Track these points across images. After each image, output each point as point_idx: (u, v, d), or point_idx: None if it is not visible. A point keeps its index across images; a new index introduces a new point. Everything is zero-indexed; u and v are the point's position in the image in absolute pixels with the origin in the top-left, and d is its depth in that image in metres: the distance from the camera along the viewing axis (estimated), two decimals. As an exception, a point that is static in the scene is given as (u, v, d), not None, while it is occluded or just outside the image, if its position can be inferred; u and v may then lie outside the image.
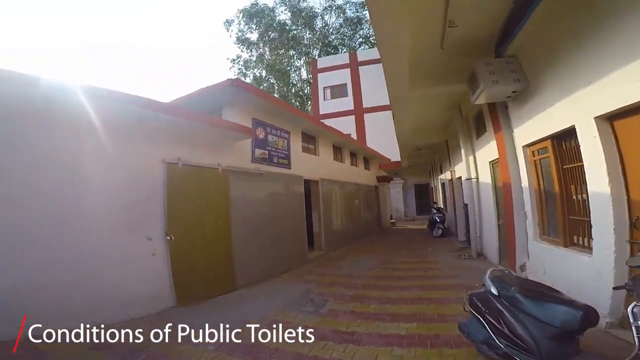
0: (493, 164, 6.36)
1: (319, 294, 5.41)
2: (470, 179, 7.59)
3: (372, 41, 31.71)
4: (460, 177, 9.74)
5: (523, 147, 4.83)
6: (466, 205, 8.41)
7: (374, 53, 21.75)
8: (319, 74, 21.52)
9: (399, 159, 18.06)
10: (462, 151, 7.78)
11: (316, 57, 27.04)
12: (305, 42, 31.93)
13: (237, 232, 5.92)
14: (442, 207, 12.38)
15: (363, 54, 22.09)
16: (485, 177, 6.85)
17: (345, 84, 20.57)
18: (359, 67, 20.67)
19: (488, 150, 6.46)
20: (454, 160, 10.38)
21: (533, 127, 4.41)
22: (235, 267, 5.78)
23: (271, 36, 31.23)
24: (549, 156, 4.21)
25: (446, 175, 12.44)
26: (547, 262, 4.32)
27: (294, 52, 32.36)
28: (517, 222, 5.05)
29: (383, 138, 17.00)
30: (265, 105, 6.79)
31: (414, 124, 9.19)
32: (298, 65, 33.36)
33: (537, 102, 4.21)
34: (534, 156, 4.69)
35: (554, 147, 4.09)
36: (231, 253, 5.76)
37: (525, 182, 4.85)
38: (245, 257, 6.02)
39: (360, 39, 32.59)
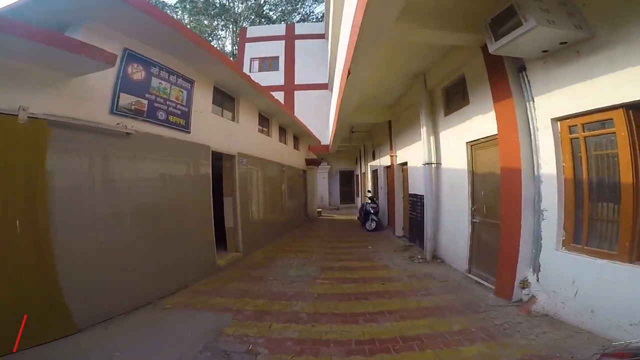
0: (473, 145, 4.96)
1: (238, 339, 3.19)
2: (430, 164, 6.18)
3: (312, 20, 30.28)
4: (404, 164, 8.46)
5: (553, 120, 3.39)
6: (419, 197, 7.09)
7: (315, 28, 19.97)
8: (247, 44, 19.03)
9: (328, 143, 16.62)
10: (423, 130, 6.31)
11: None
12: (237, 10, 28.38)
13: (69, 235, 3.24)
14: (375, 197, 11.18)
15: (302, 27, 20.35)
16: (455, 162, 5.47)
17: (278, 57, 18.42)
18: (296, 40, 18.71)
19: (467, 128, 5.04)
20: (397, 144, 9.07)
21: (583, 92, 2.97)
22: (68, 293, 3.10)
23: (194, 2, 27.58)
24: (613, 132, 2.79)
25: (381, 162, 11.24)
26: (585, 281, 2.98)
27: (221, 21, 28.68)
28: (525, 222, 3.66)
29: (312, 119, 15.14)
30: (153, 31, 4.05)
31: (365, 93, 7.43)
32: (223, 35, 29.78)
33: (603, 58, 2.77)
34: (569, 133, 3.27)
35: (628, 120, 2.65)
36: (53, 271, 3.03)
37: (547, 168, 3.44)
38: (92, 274, 3.40)
39: (300, 17, 30.80)
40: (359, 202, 18.17)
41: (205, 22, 28.90)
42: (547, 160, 3.45)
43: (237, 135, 6.93)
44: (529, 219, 3.65)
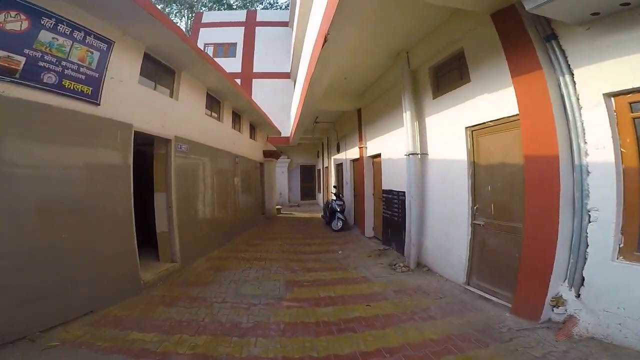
0: (475, 130, 4.08)
1: None
2: (415, 154, 5.26)
3: (276, 8, 28.68)
4: (377, 156, 7.53)
5: (605, 95, 2.55)
6: (397, 193, 6.17)
7: (278, 15, 18.75)
8: (201, 29, 17.43)
9: (288, 135, 15.31)
10: (407, 115, 5.36)
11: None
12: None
13: None
14: (341, 193, 10.17)
15: (265, 14, 19.33)
16: (449, 152, 4.59)
17: (236, 44, 17.06)
18: (257, 27, 17.48)
19: (466, 111, 4.15)
20: (368, 134, 8.12)
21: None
22: None
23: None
24: None
25: (347, 155, 10.27)
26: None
27: (175, 8, 26.35)
28: (563, 225, 2.78)
29: (271, 109, 13.63)
30: None
31: (337, 75, 6.34)
32: (176, 22, 27.16)
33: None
34: (631, 111, 2.44)
35: None
36: None
37: (599, 155, 2.60)
38: None
39: (262, 7, 29.15)
40: (320, 198, 17.16)
41: (159, 6, 26.01)
42: (598, 145, 2.61)
43: (176, 115, 5.38)
44: (567, 220, 2.79)
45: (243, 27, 17.37)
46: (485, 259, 3.89)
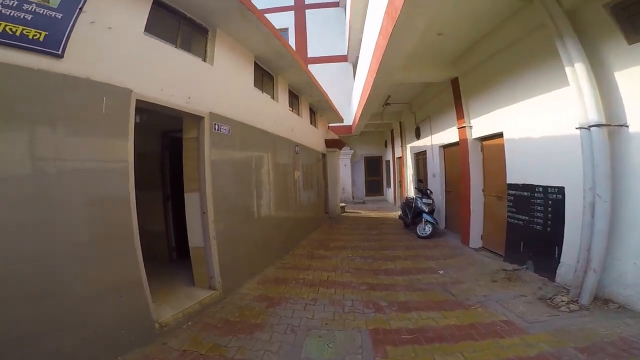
0: None
1: None
2: (602, 126, 2.95)
3: None
4: (492, 137, 5.21)
5: None
6: (541, 190, 3.86)
7: None
8: None
9: (350, 123, 13.42)
10: (577, 69, 3.11)
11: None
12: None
13: None
14: (427, 188, 7.90)
15: None
16: None
17: (287, 29, 15.84)
18: (306, 10, 16.06)
19: None
20: (474, 109, 5.79)
21: None
22: None
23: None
24: None
25: (435, 140, 7.99)
26: None
27: None
28: None
29: (330, 96, 12.02)
30: None
31: (428, 29, 4.25)
32: None
33: None
34: None
35: None
36: None
37: None
38: None
39: None
40: (390, 194, 14.98)
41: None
42: None
43: (211, 85, 3.87)
44: None
45: (293, 12, 16.09)
46: None
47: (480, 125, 5.56)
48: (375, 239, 7.24)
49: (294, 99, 7.58)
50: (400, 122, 11.82)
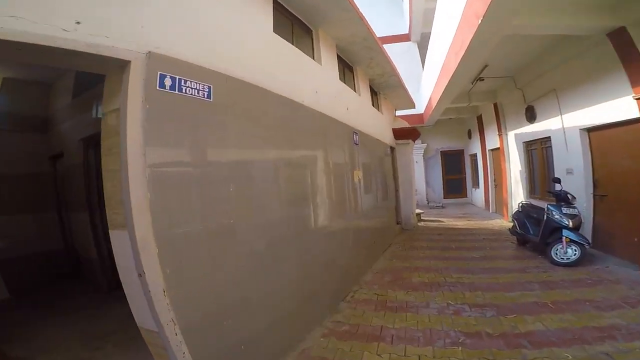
0: None
1: None
2: None
3: None
4: None
5: None
6: None
7: None
8: None
9: (418, 112, 10.85)
10: None
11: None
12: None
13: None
14: (569, 192, 5.02)
15: None
16: None
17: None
18: None
19: None
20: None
21: None
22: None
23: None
24: None
25: (567, 122, 5.32)
26: None
27: None
28: None
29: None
30: None
31: None
32: None
33: None
34: None
35: None
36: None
37: None
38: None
39: None
40: (477, 195, 11.92)
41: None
42: None
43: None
44: None
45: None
46: None
47: None
48: (482, 267, 4.71)
49: (346, 68, 5.48)
50: (495, 104, 8.87)
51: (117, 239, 1.71)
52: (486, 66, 6.44)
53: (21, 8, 1.33)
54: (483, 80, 7.15)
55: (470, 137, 12.57)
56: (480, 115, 10.58)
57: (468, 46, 4.41)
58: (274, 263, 2.60)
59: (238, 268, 2.20)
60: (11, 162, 4.56)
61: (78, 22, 1.48)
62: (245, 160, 2.41)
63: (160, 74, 1.80)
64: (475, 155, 11.91)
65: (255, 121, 2.56)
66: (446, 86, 6.67)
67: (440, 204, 12.99)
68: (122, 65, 1.69)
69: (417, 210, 9.39)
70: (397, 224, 8.07)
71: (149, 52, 1.75)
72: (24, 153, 4.76)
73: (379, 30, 12.99)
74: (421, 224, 9.07)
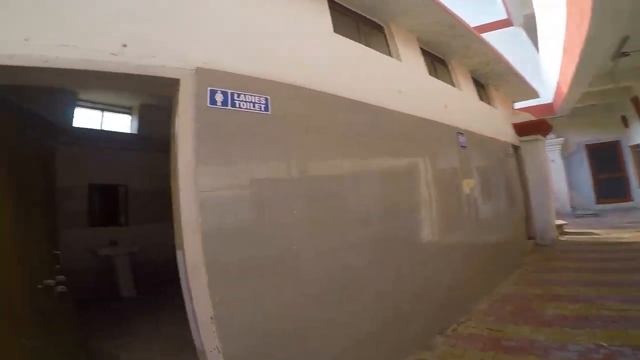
0: None
1: None
2: None
3: None
4: None
5: None
6: None
7: None
8: None
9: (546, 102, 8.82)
10: None
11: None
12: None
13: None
14: None
15: None
16: None
17: None
18: None
19: None
20: None
21: None
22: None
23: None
24: None
25: None
26: None
27: None
28: None
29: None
30: None
31: None
32: None
33: None
34: None
35: None
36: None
37: None
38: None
39: None
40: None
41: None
42: None
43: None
44: None
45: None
46: None
47: None
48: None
49: (437, 62, 4.79)
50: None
51: (179, 260, 1.71)
52: (628, 37, 4.84)
53: (70, 36, 1.38)
54: (629, 55, 5.50)
55: (626, 125, 9.54)
56: (636, 97, 7.96)
57: (591, 16, 3.24)
58: (344, 290, 2.26)
59: (298, 298, 2.00)
60: (143, 179, 5.24)
61: (125, 45, 1.52)
62: (311, 177, 2.18)
63: (210, 89, 1.74)
64: (638, 146, 8.92)
65: (322, 131, 2.30)
66: (576, 68, 5.23)
67: (591, 212, 10.10)
68: (172, 84, 1.66)
69: (558, 221, 7.42)
70: (529, 239, 6.54)
71: (197, 67, 1.68)
72: (153, 171, 5.04)
73: (472, 20, 11.54)
74: (563, 237, 7.19)
